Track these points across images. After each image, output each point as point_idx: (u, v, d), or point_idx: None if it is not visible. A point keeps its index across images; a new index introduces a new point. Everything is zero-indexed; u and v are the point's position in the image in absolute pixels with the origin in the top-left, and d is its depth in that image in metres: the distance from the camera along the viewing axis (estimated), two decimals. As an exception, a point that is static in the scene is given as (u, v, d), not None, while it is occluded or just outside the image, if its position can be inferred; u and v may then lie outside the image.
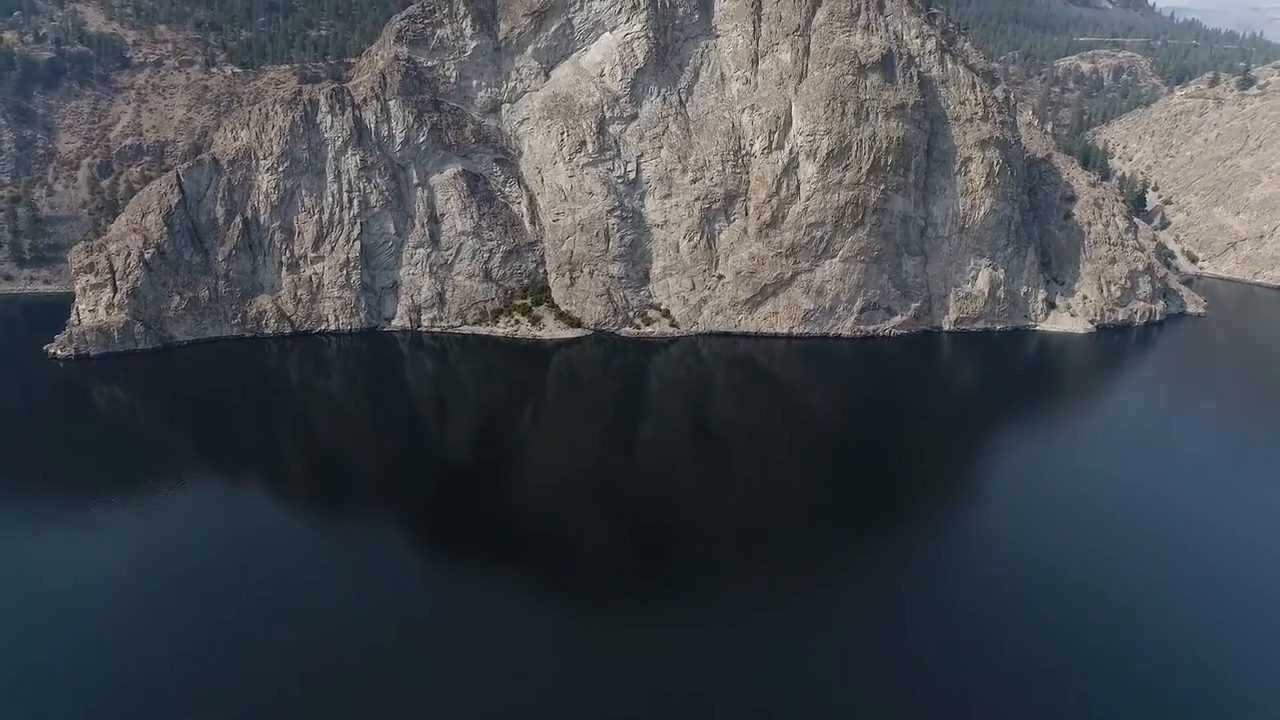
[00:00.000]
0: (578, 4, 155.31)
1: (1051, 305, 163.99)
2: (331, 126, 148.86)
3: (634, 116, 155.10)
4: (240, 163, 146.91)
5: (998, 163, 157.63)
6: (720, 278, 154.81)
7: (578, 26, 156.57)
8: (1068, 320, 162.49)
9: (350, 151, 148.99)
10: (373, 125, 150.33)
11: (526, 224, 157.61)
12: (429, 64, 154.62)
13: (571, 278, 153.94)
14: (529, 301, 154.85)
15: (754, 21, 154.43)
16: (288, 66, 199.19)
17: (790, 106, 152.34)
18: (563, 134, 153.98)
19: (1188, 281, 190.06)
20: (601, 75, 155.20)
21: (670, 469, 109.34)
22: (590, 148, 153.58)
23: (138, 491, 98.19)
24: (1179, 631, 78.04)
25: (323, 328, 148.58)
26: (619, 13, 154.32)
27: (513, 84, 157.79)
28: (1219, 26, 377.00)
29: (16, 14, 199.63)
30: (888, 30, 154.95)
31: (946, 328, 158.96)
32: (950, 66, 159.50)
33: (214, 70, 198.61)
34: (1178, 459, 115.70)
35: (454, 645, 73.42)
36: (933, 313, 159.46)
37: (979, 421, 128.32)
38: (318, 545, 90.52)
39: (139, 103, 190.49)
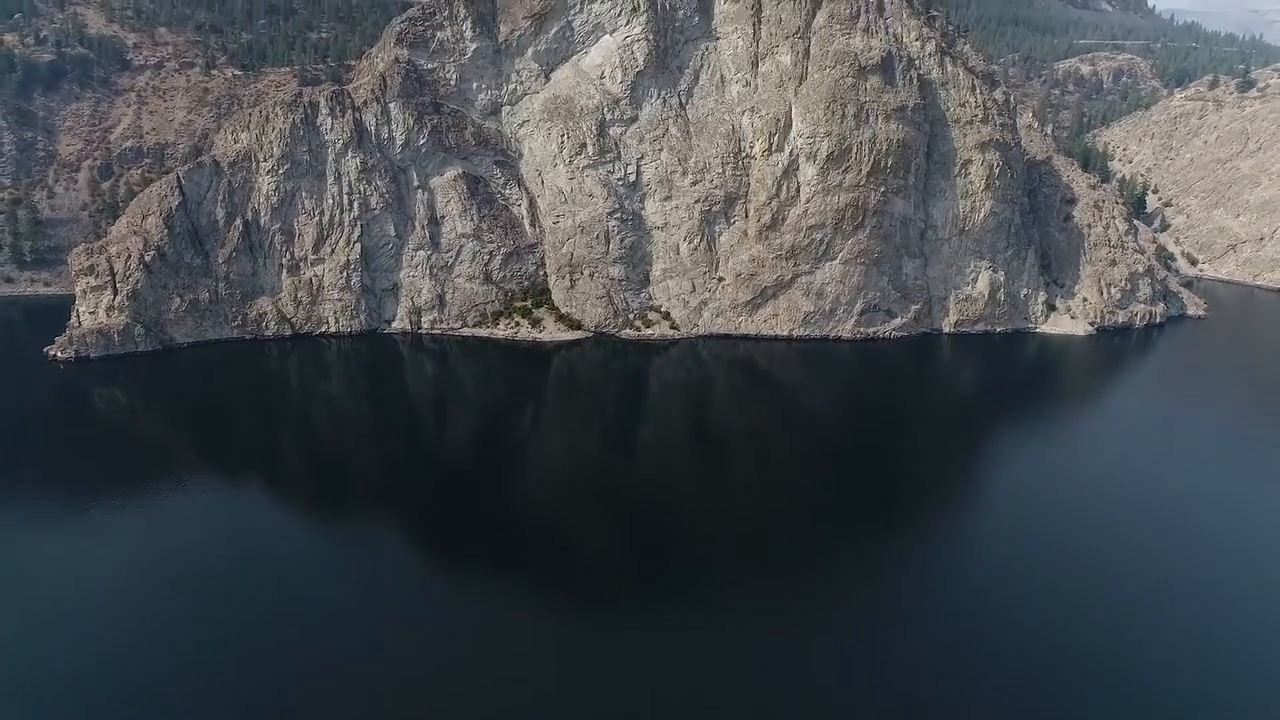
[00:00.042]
0: (578, 6, 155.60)
1: (1051, 307, 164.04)
2: (332, 129, 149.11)
3: (634, 119, 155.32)
4: (241, 165, 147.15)
5: (998, 165, 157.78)
6: (720, 280, 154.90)
7: (578, 29, 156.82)
8: (1068, 322, 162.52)
9: (350, 154, 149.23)
10: (373, 127, 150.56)
11: (527, 226, 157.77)
12: (429, 66, 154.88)
13: (572, 280, 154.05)
14: (529, 304, 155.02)
15: (754, 24, 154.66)
16: (288, 69, 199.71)
17: (790, 109, 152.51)
18: (563, 136, 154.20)
19: (1188, 284, 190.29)
20: (601, 78, 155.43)
21: (670, 471, 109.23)
22: (590, 150, 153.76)
23: (138, 493, 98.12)
24: (1179, 631, 77.90)
25: (323, 330, 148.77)
26: (619, 15, 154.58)
27: (513, 86, 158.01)
28: (1219, 29, 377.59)
29: (17, 16, 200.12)
30: (888, 33, 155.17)
31: (946, 330, 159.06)
32: (950, 69, 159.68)
33: (214, 72, 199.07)
34: (1178, 460, 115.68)
35: (454, 647, 73.25)
36: (933, 315, 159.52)
37: (979, 423, 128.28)
38: (318, 547, 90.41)
39: (139, 105, 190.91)
